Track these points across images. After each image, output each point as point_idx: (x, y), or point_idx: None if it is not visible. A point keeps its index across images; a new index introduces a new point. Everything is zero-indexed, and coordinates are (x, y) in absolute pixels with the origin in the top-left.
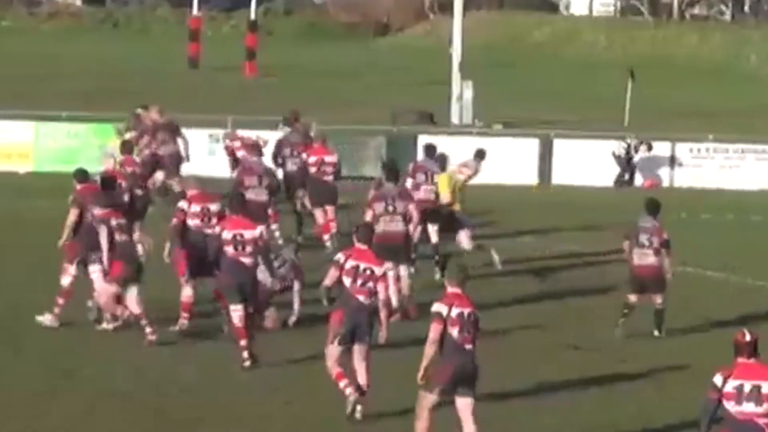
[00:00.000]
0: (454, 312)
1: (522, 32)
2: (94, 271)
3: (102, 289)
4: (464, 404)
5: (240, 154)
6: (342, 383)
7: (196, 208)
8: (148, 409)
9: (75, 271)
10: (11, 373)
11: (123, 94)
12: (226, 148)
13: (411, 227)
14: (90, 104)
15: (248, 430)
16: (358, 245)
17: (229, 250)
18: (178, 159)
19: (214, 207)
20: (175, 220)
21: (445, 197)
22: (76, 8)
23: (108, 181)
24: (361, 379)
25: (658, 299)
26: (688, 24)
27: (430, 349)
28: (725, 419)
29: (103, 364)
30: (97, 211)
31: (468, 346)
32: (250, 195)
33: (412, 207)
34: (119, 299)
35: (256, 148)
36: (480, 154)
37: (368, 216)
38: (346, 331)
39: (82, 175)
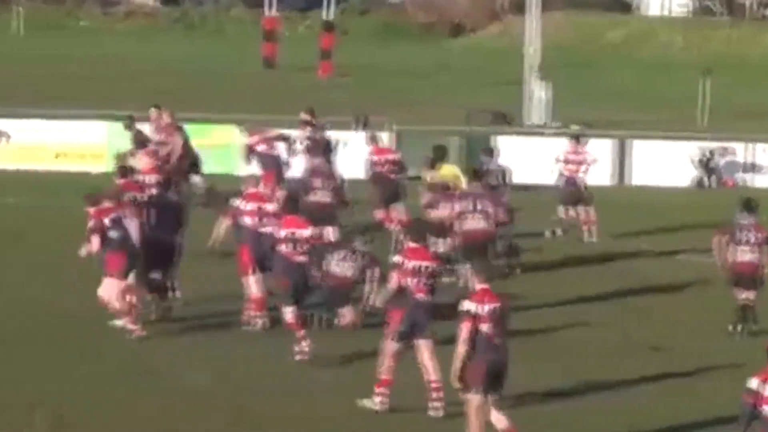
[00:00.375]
0: (485, 308)
1: (596, 32)
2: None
3: (107, 286)
4: (491, 400)
5: (260, 148)
6: (382, 389)
7: (250, 206)
8: (227, 408)
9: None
10: (90, 375)
11: (197, 94)
12: (248, 146)
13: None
14: (163, 104)
15: (325, 430)
16: (412, 244)
17: (283, 248)
18: (198, 162)
19: (269, 206)
20: (229, 219)
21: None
22: (152, 8)
23: (167, 182)
24: (433, 374)
25: (751, 295)
26: (764, 23)
27: (463, 348)
28: (762, 422)
29: (181, 364)
30: (91, 210)
31: (498, 341)
32: (315, 197)
33: (496, 206)
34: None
35: (284, 141)
36: (576, 138)
37: (440, 213)
38: (405, 329)
39: (124, 171)
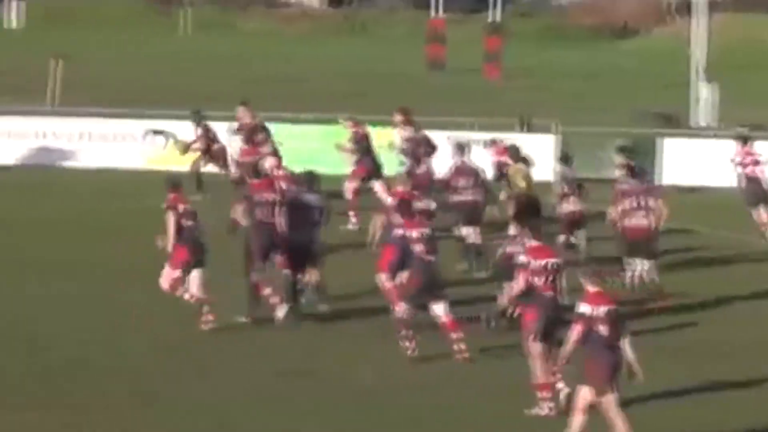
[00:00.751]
0: (601, 311)
1: (763, 34)
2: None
3: (166, 273)
4: (612, 399)
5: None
6: (544, 393)
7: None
8: (390, 407)
9: (262, 266)
10: (251, 376)
11: (363, 96)
12: (356, 134)
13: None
14: (329, 107)
15: None
16: (533, 242)
17: (416, 248)
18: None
19: (419, 205)
20: (382, 217)
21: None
22: (318, 11)
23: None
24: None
25: None
26: None
27: (570, 349)
28: None
29: (343, 363)
30: (170, 197)
31: (616, 343)
32: (462, 196)
33: (658, 202)
34: (178, 283)
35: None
36: (743, 139)
37: (614, 213)
38: (543, 327)
39: (255, 171)
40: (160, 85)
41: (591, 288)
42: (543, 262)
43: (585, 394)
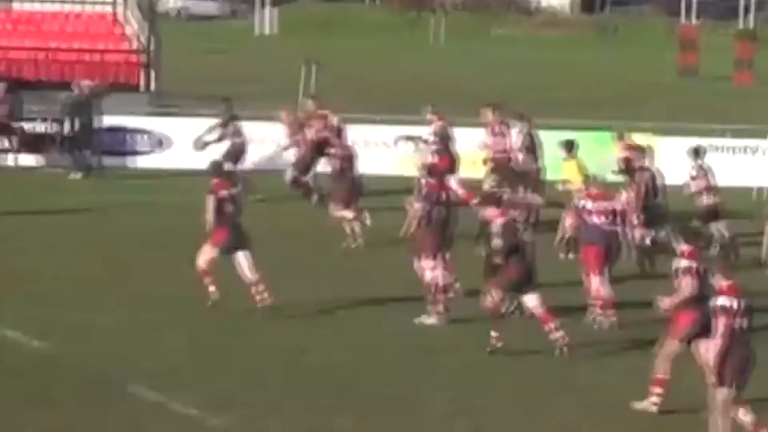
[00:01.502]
0: (741, 303)
1: None
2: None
3: (204, 251)
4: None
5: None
6: (658, 389)
7: (597, 205)
8: (648, 421)
9: (435, 263)
10: (509, 386)
11: (610, 102)
12: (440, 126)
13: None
14: (579, 113)
15: None
16: (687, 246)
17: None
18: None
19: (616, 205)
20: (575, 219)
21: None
22: (571, 17)
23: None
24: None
25: None
26: None
27: (723, 343)
28: None
29: (602, 376)
30: (213, 182)
31: (749, 337)
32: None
33: None
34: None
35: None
36: None
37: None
38: (694, 332)
39: (433, 170)
40: (412, 91)
41: (725, 281)
42: (700, 266)
43: (726, 396)
